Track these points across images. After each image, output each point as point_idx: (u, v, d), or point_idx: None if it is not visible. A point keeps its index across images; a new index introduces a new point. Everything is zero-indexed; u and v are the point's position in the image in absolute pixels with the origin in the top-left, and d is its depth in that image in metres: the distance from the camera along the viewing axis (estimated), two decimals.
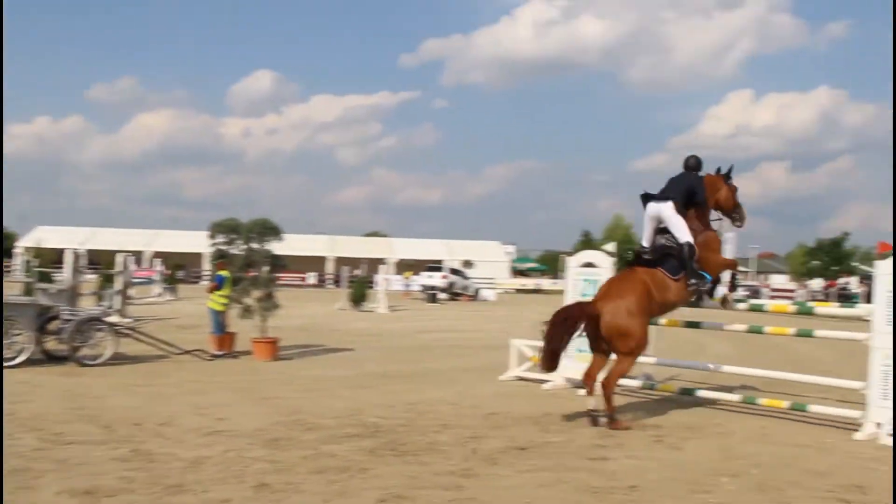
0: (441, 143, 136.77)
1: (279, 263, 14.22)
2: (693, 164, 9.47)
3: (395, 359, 14.39)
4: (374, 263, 50.13)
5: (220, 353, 13.58)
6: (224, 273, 13.96)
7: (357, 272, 37.43)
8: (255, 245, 13.84)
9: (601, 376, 8.65)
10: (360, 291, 30.00)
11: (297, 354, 14.43)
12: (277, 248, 14.12)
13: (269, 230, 13.86)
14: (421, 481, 6.14)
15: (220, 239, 14.09)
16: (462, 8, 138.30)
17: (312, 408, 9.15)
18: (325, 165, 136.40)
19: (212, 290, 14.17)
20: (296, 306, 29.59)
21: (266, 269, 13.91)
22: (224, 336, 13.89)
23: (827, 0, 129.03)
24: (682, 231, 8.89)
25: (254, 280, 13.77)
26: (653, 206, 9.20)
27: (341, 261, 50.48)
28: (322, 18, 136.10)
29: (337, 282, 48.78)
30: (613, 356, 8.74)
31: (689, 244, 8.82)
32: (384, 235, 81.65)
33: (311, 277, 58.88)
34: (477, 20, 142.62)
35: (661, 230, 9.16)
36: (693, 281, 8.87)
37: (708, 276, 9.02)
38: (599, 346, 8.75)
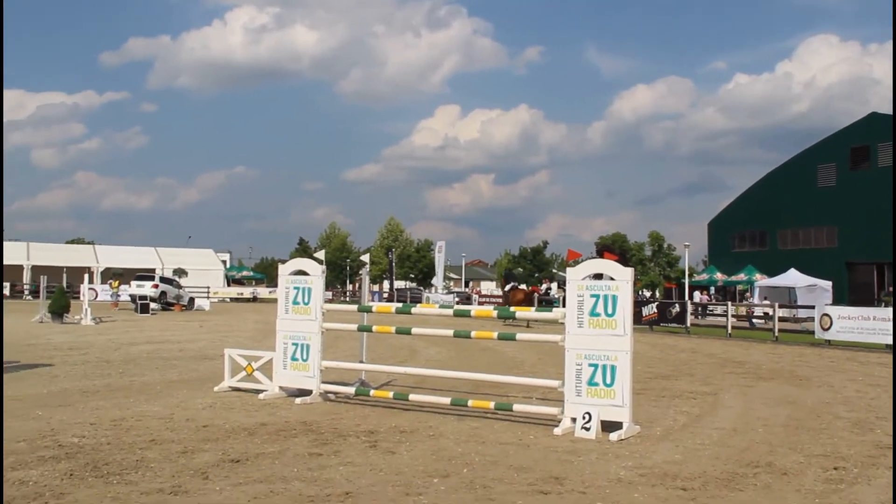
0: (150, 148, 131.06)
1: None
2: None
3: (99, 373, 13.45)
4: (78, 272, 46.88)
5: None
6: None
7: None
8: None
9: None
10: (61, 302, 27.77)
11: None
12: None
13: None
14: (125, 502, 5.77)
15: None
16: (169, 8, 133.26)
17: None
18: (17, 167, 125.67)
19: None
20: None
21: None
22: None
23: (522, 28, 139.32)
24: None
25: None
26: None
27: (39, 269, 46.55)
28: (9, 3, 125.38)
29: (35, 292, 44.93)
30: None
31: None
32: (89, 243, 76.43)
33: (6, 288, 53.86)
34: (186, 22, 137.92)
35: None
36: None
37: None
38: None
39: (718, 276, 53.20)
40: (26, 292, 53.51)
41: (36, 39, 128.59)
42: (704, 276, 56.22)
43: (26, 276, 56.03)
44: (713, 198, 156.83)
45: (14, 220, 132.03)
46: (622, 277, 8.91)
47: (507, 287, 35.56)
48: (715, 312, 37.09)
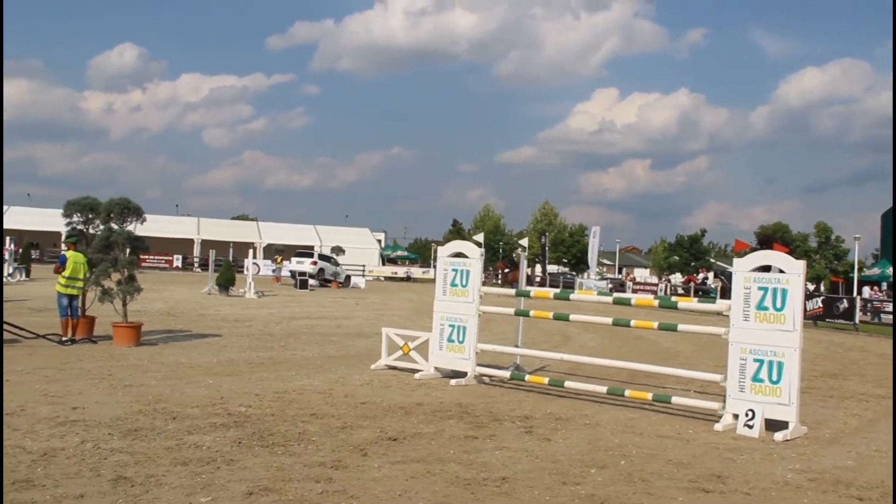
0: (312, 128, 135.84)
1: (140, 245, 13.58)
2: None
3: (263, 345, 14.04)
4: (242, 247, 49.11)
5: (67, 338, 12.72)
6: (69, 253, 13.21)
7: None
8: (114, 225, 13.19)
9: None
10: (227, 275, 29.21)
11: (161, 340, 13.88)
12: (139, 229, 13.52)
13: (130, 210, 13.21)
14: (290, 473, 5.97)
15: (76, 218, 13.42)
16: None
17: (176, 396, 8.79)
18: (192, 146, 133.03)
19: (56, 271, 13.33)
20: (161, 290, 28.61)
21: (126, 250, 13.28)
22: (77, 320, 13.08)
23: (685, 9, 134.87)
24: None
25: (113, 262, 13.08)
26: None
27: (208, 244, 49.11)
28: None
29: (204, 265, 47.41)
30: None
31: None
32: (252, 219, 79.91)
33: (178, 260, 57.19)
34: (349, 6, 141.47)
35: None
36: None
37: None
38: None
39: (891, 271, 50.02)
40: (196, 265, 56.57)
41: (213, 25, 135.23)
42: (876, 271, 52.98)
43: (196, 250, 59.23)
44: (887, 188, 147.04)
45: (189, 196, 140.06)
46: (793, 270, 8.47)
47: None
48: (885, 310, 34.91)
